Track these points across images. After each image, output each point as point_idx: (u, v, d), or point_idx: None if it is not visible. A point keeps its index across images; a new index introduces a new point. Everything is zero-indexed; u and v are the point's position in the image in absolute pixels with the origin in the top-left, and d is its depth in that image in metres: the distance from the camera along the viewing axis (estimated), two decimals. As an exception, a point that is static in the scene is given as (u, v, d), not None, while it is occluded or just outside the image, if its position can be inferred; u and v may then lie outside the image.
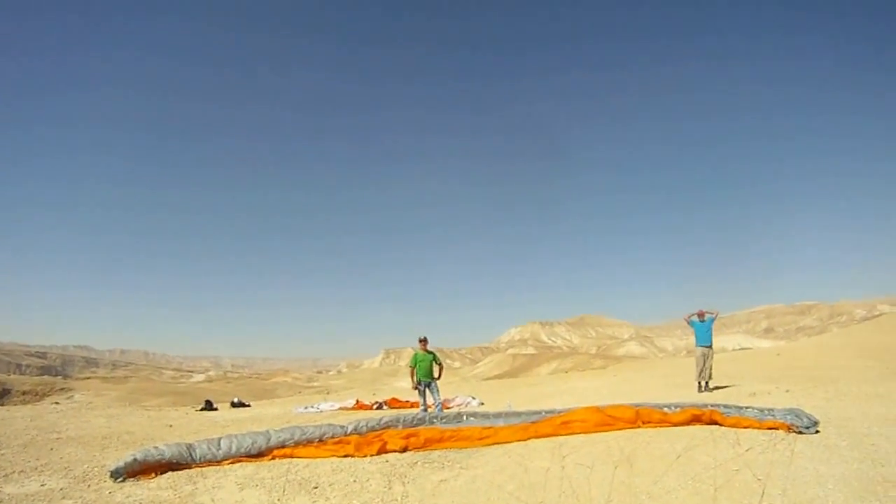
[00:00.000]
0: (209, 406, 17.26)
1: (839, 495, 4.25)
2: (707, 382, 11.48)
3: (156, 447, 6.07)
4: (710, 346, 11.62)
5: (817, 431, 5.97)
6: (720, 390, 11.27)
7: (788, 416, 6.26)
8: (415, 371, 10.49)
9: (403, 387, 23.04)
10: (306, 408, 15.41)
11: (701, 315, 11.99)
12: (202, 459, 6.15)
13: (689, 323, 12.09)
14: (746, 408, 6.91)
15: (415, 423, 7.70)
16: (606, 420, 7.13)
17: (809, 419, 6.12)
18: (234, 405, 18.49)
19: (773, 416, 6.40)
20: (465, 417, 8.19)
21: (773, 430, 6.10)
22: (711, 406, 7.07)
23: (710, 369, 11.50)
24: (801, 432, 5.94)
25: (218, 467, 6.14)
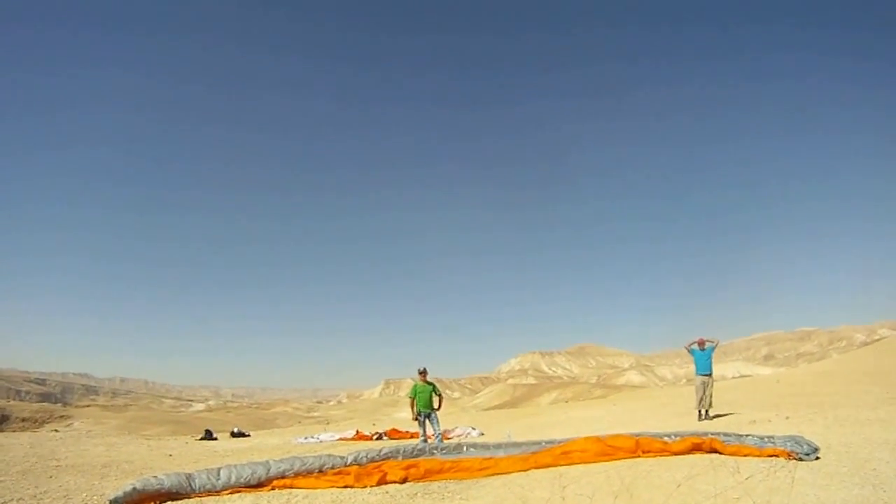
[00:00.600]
0: (209, 436, 17.10)
1: (840, 522, 4.25)
2: (707, 410, 11.46)
3: (155, 476, 6.02)
4: (710, 375, 11.62)
5: (818, 458, 5.96)
6: (720, 418, 11.24)
7: (789, 444, 6.26)
8: (414, 402, 10.45)
9: (403, 417, 22.79)
10: (306, 438, 15.27)
11: (701, 343, 12.01)
12: (201, 489, 6.09)
13: (689, 351, 12.12)
14: (746, 436, 6.91)
15: (415, 453, 7.63)
16: (606, 450, 7.10)
17: (810, 446, 6.12)
18: (233, 435, 18.33)
19: (773, 443, 6.40)
20: (465, 448, 8.12)
21: (773, 458, 6.10)
22: (711, 434, 7.06)
23: (711, 397, 11.48)
24: (801, 459, 5.94)
25: (217, 497, 6.07)
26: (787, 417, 9.82)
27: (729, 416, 11.52)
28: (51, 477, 7.46)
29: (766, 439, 6.59)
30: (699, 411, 11.53)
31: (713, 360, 11.96)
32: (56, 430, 27.61)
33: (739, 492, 5.07)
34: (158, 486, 5.82)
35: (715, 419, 11.17)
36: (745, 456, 6.33)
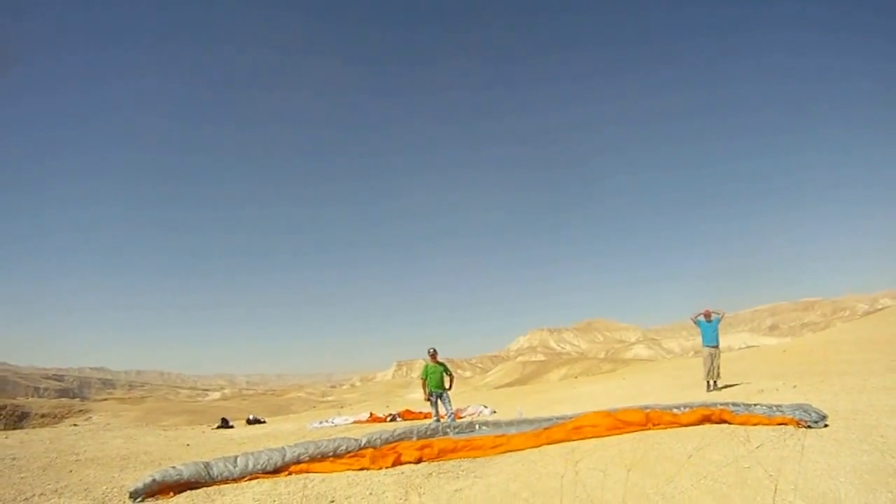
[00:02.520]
0: (225, 424, 17.41)
1: (851, 487, 4.32)
2: (716, 381, 11.54)
3: (174, 467, 6.13)
4: (717, 346, 11.67)
5: (826, 425, 6.02)
6: (728, 389, 11.32)
7: (797, 412, 6.32)
8: (426, 383, 10.56)
9: (416, 398, 23.04)
10: (321, 422, 15.48)
11: (707, 315, 12.01)
12: (219, 477, 6.21)
13: (695, 323, 12.15)
14: (755, 405, 6.97)
15: (428, 433, 7.75)
16: (617, 424, 7.19)
17: (818, 414, 6.18)
18: (249, 422, 18.64)
19: (781, 412, 6.46)
20: (477, 426, 8.24)
21: (782, 426, 6.17)
22: (721, 405, 7.12)
23: (718, 368, 11.55)
24: (810, 427, 6.00)
25: (235, 485, 6.20)
26: (795, 386, 9.88)
27: (737, 386, 11.61)
28: (71, 471, 7.59)
29: (774, 408, 6.66)
30: (707, 382, 11.61)
31: (720, 332, 12.02)
32: (75, 425, 28.12)
33: (750, 461, 5.14)
34: (178, 477, 5.93)
35: (724, 390, 11.26)
36: (754, 425, 6.39)
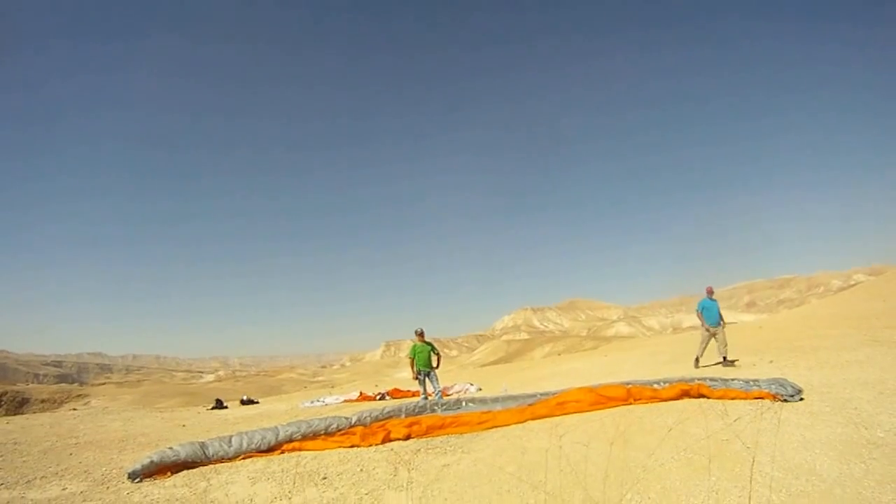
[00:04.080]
0: (219, 405, 17.56)
1: (826, 459, 4.53)
2: (725, 357, 10.94)
3: (171, 448, 6.20)
4: (720, 324, 11.21)
5: (801, 399, 6.27)
6: (707, 367, 11.58)
7: (773, 386, 6.56)
8: (414, 361, 10.67)
9: (404, 377, 23.24)
10: (312, 402, 15.61)
11: (710, 292, 11.65)
12: (215, 457, 6.30)
13: (699, 309, 11.56)
14: (732, 380, 7.20)
15: (416, 411, 7.88)
16: (600, 399, 7.38)
17: (793, 388, 6.42)
18: (243, 403, 18.72)
19: (758, 386, 6.70)
20: (464, 403, 8.39)
21: (759, 400, 6.40)
22: (699, 380, 7.35)
23: (725, 344, 11.05)
24: (786, 400, 6.24)
25: (230, 463, 6.30)
26: (771, 361, 10.18)
27: (716, 365, 11.89)
28: (71, 454, 7.65)
29: (751, 383, 6.89)
30: (697, 358, 11.37)
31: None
32: (74, 409, 28.01)
33: (728, 434, 5.35)
34: (175, 458, 6.02)
35: (703, 368, 11.49)
36: (732, 399, 6.63)
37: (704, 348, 11.34)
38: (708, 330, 11.26)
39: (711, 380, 7.32)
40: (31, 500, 5.33)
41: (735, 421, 5.72)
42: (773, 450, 4.80)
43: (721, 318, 11.36)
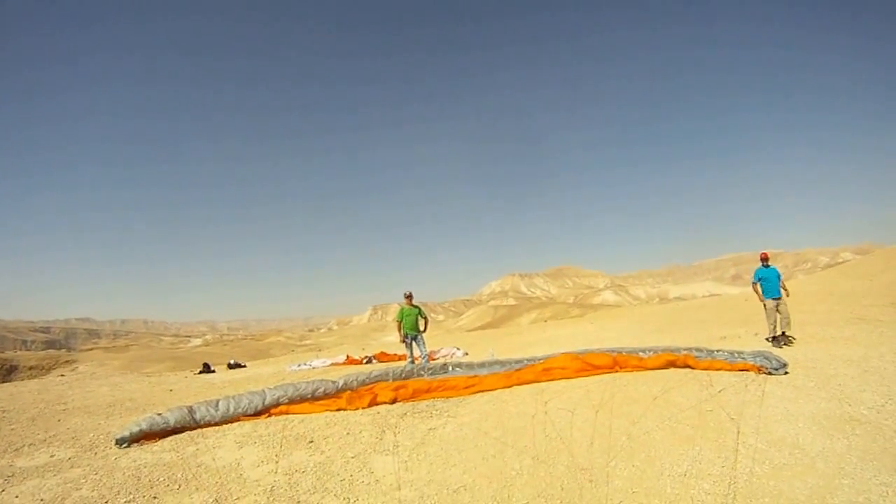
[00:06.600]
0: (207, 369, 17.56)
1: (808, 432, 4.58)
2: (784, 333, 9.34)
3: (160, 414, 6.14)
4: (780, 297, 9.61)
5: (786, 373, 6.33)
6: (692, 336, 11.72)
7: (758, 359, 6.62)
8: (401, 325, 10.65)
9: (391, 341, 23.41)
10: (299, 365, 15.67)
11: (764, 259, 10.02)
12: (202, 421, 6.26)
13: (755, 280, 10.14)
14: (718, 351, 7.27)
15: (403, 375, 7.90)
16: (585, 366, 7.43)
17: (778, 361, 6.48)
18: (230, 367, 18.78)
19: (743, 358, 6.76)
20: (450, 368, 8.43)
21: (744, 372, 6.46)
22: (684, 350, 7.41)
23: (788, 318, 9.48)
24: (770, 374, 6.30)
25: (218, 427, 6.27)
26: (756, 334, 10.32)
27: (701, 334, 12.05)
28: (59, 420, 7.59)
29: (736, 355, 6.96)
30: (774, 336, 9.30)
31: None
32: (62, 375, 27.92)
33: (713, 404, 5.39)
34: (164, 425, 5.98)
35: (727, 339, 11.58)
36: (717, 370, 6.69)
37: (776, 321, 9.37)
38: (769, 303, 9.55)
39: (697, 350, 7.38)
40: (20, 467, 5.27)
41: (720, 392, 5.77)
42: (756, 422, 4.85)
43: (784, 287, 9.78)
